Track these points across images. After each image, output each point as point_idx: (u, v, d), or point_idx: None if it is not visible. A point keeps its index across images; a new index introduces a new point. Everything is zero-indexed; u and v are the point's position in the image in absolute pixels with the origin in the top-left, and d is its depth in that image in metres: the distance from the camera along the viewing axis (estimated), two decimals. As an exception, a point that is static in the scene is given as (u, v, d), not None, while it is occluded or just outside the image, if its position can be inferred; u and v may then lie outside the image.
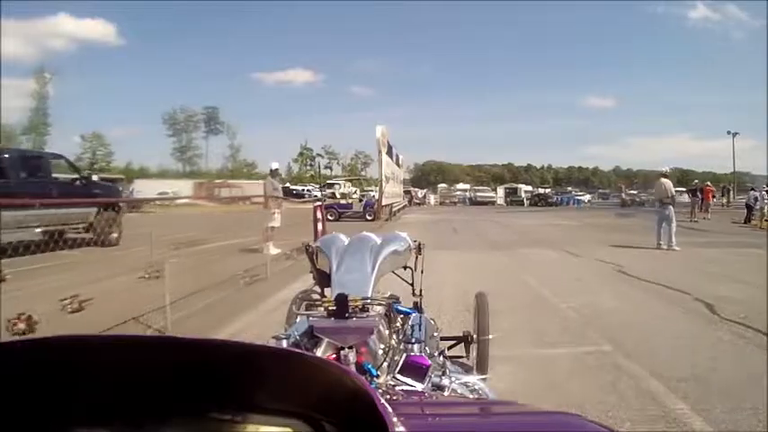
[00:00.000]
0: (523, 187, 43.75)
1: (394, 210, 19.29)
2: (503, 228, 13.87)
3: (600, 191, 51.09)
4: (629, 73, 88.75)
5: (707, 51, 79.70)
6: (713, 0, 77.06)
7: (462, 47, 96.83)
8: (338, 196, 22.09)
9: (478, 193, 39.53)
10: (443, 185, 46.44)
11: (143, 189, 33.17)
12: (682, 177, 58.57)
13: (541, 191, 41.75)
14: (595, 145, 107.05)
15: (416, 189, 40.73)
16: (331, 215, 15.86)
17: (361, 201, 18.21)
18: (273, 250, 7.07)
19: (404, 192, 33.48)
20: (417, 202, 34.52)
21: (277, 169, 8.79)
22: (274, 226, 7.61)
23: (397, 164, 26.25)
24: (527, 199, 37.32)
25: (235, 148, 52.46)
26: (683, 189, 40.00)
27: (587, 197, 41.33)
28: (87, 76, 74.71)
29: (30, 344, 0.43)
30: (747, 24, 73.43)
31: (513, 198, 38.20)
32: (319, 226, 7.70)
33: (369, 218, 15.64)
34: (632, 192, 42.70)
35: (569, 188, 49.22)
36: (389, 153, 20.34)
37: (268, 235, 7.42)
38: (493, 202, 36.54)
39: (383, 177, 17.09)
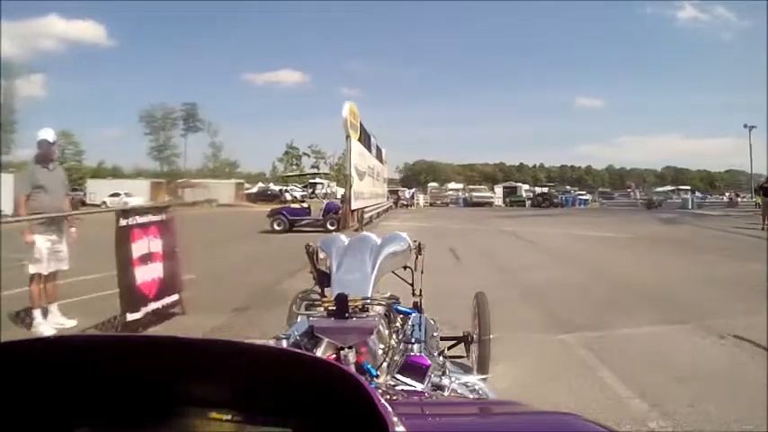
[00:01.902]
0: (523, 186, 42.21)
1: (372, 214, 16.70)
2: (527, 247, 10.01)
3: (600, 190, 49.10)
4: (620, 73, 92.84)
5: (696, 51, 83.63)
6: (701, 1, 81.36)
7: (452, 48, 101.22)
8: (289, 198, 18.11)
9: (474, 193, 37.39)
10: (434, 184, 44.87)
11: (97, 190, 32.01)
12: (676, 176, 61.03)
13: (539, 190, 39.61)
14: (586, 144, 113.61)
15: (404, 189, 38.71)
16: (278, 224, 13.22)
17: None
18: (53, 323, 3.86)
19: (389, 192, 31.34)
20: (405, 203, 32.60)
21: (45, 141, 3.94)
22: (51, 271, 3.83)
23: (380, 159, 23.31)
24: (528, 199, 35.72)
25: (216, 146, 52.13)
26: (687, 188, 40.63)
27: (588, 197, 39.58)
28: (77, 76, 78.62)
29: (30, 344, 0.45)
30: (736, 25, 77.68)
31: (512, 198, 36.45)
32: (142, 272, 3.79)
33: (331, 227, 12.73)
34: (629, 191, 41.79)
35: (567, 187, 46.86)
36: (366, 142, 17.44)
37: (38, 291, 3.80)
38: (490, 204, 34.65)
39: (352, 170, 13.95)
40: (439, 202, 35.86)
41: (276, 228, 13.27)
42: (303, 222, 13.51)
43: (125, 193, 30.39)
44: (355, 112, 14.73)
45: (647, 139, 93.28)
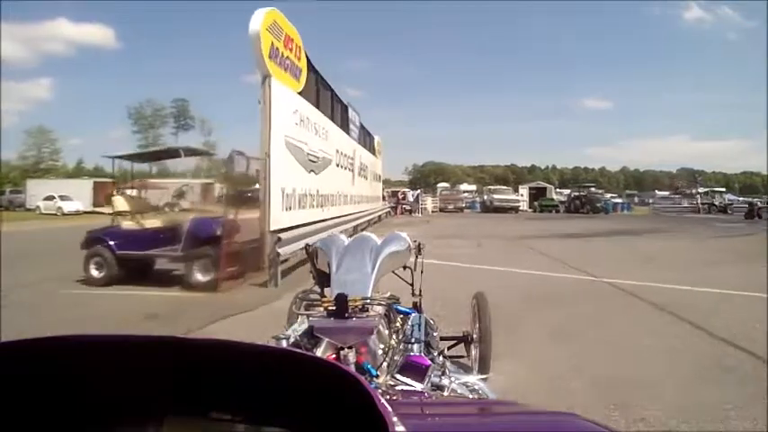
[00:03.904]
0: (552, 188, 38.30)
1: (344, 229, 10.02)
2: None
3: (627, 192, 45.37)
4: (625, 74, 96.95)
5: (703, 52, 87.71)
6: (707, 0, 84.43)
7: (459, 49, 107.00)
8: (121, 208, 7.71)
9: (496, 196, 31.47)
10: (444, 185, 42.00)
11: (38, 192, 29.42)
12: (693, 178, 62.41)
13: (574, 192, 34.02)
14: (594, 146, 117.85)
15: (405, 190, 34.06)
16: (98, 267, 6.79)
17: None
18: None
19: (390, 194, 28.05)
20: (407, 208, 27.64)
21: None
22: None
23: (371, 149, 18.79)
24: (561, 203, 32.06)
25: (210, 145, 51.83)
26: (722, 189, 37.16)
27: (620, 200, 35.84)
28: (84, 78, 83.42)
29: (30, 344, 0.47)
30: (741, 25, 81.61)
31: (543, 202, 32.08)
32: None
33: (201, 277, 6.43)
34: (667, 194, 38.64)
35: (592, 189, 37.62)
36: (336, 113, 11.77)
37: None
38: (516, 209, 30.33)
39: (274, 145, 6.91)
40: (451, 206, 31.08)
41: (94, 274, 6.79)
42: (152, 258, 7.05)
43: (60, 196, 27.94)
44: (292, 33, 7.85)
45: (655, 140, 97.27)
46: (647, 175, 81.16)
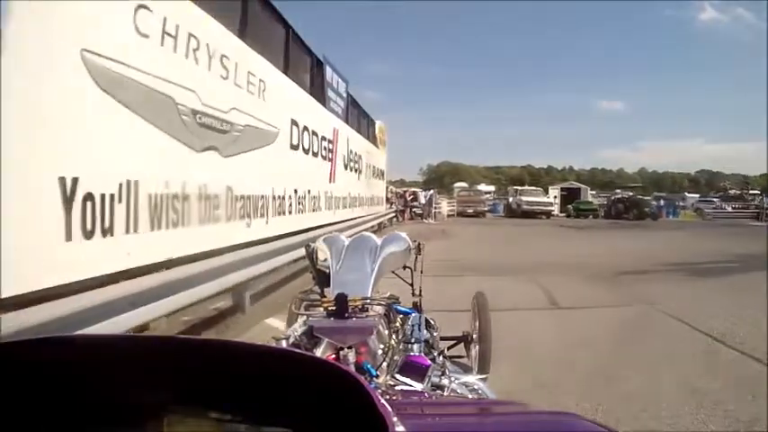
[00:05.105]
0: (587, 189, 34.69)
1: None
2: None
3: (655, 194, 41.54)
4: (639, 76, 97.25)
5: (716, 53, 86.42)
6: (721, 0, 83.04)
7: (474, 51, 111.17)
8: None
9: (525, 198, 27.27)
10: (462, 185, 39.48)
11: None
12: (711, 180, 61.65)
13: (616, 194, 30.79)
14: (609, 148, 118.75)
15: (415, 190, 28.87)
16: None
17: None
18: None
19: (399, 194, 24.35)
20: (418, 212, 23.00)
21: None
22: None
23: (372, 138, 15.07)
24: (600, 207, 28.61)
25: None
26: (757, 192, 34.74)
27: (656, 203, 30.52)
28: None
29: (30, 344, 0.49)
30: (755, 26, 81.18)
31: (580, 206, 28.38)
32: None
33: None
34: (697, 196, 34.20)
35: (617, 191, 36.24)
36: (303, 66, 8.16)
37: None
38: (548, 214, 26.66)
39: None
40: (471, 210, 26.27)
41: None
42: None
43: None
44: None
45: (669, 143, 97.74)
46: (665, 176, 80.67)
